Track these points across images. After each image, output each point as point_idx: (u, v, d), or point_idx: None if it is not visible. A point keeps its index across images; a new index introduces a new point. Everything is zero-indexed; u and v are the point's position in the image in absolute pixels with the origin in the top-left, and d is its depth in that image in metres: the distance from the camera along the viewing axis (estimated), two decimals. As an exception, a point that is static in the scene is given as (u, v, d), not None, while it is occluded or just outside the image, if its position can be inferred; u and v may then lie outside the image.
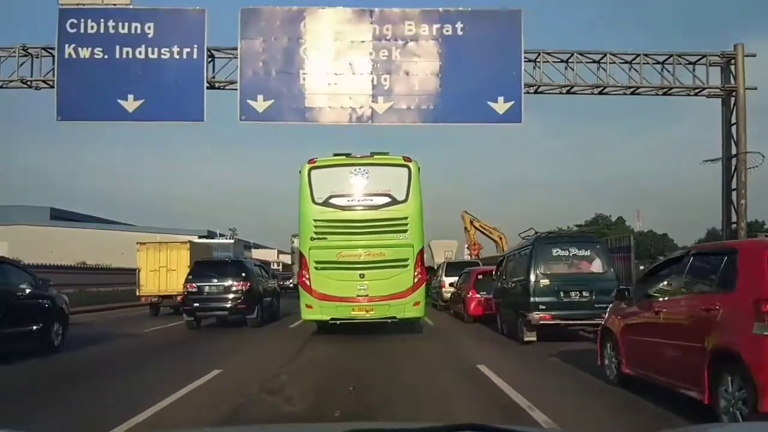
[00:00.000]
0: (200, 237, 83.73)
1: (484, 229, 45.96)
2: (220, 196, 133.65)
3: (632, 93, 17.90)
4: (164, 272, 20.17)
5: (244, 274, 15.28)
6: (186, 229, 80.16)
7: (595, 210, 69.40)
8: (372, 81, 16.57)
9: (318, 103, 16.65)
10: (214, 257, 19.59)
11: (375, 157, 12.10)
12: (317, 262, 11.73)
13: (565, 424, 5.28)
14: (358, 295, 11.61)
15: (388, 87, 16.60)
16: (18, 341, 9.61)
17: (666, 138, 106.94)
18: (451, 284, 18.39)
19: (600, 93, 17.86)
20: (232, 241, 77.05)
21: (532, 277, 10.05)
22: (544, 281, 10.03)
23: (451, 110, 16.73)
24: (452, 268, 20.49)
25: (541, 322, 9.89)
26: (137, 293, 20.61)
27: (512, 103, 16.70)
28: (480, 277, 15.27)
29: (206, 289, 14.86)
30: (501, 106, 16.70)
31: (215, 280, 14.99)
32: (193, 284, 14.87)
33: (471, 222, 46.31)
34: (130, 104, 16.63)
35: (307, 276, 11.82)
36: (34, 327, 9.99)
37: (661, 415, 5.52)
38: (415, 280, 11.74)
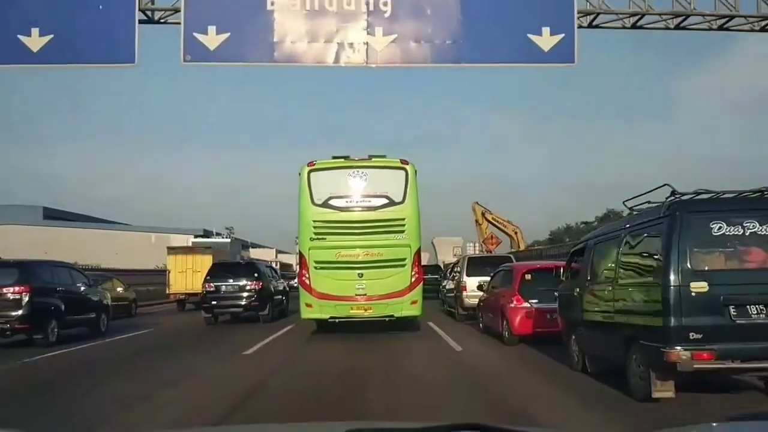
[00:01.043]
0: (196, 236, 79.70)
1: (498, 222, 40.93)
2: (216, 194, 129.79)
3: (721, 27, 12.83)
4: (190, 273, 22.58)
5: (256, 275, 16.32)
6: (182, 228, 76.47)
7: (607, 205, 63.76)
8: (367, 5, 11.63)
9: (292, 36, 11.75)
10: (231, 259, 21.15)
11: (373, 159, 12.15)
12: (317, 262, 11.84)
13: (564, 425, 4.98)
14: (356, 294, 11.72)
15: (389, 13, 11.68)
16: (79, 326, 13.04)
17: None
18: (479, 287, 13.07)
19: (678, 26, 12.79)
20: (229, 240, 72.59)
21: (673, 278, 4.93)
22: (699, 285, 4.89)
23: (478, 46, 11.85)
24: (478, 265, 15.30)
25: (696, 366, 4.79)
26: (167, 291, 23.50)
27: (562, 36, 11.85)
28: (528, 277, 10.22)
29: (223, 288, 15.92)
30: (546, 41, 11.77)
31: (231, 280, 16.05)
32: (211, 284, 15.97)
33: (483, 214, 41.33)
34: (35, 41, 11.83)
35: (307, 275, 11.92)
36: (89, 316, 13.50)
37: None
38: (413, 279, 11.86)
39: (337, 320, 12.05)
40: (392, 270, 11.74)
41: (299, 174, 12.13)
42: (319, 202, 11.89)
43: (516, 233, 40.54)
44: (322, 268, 11.84)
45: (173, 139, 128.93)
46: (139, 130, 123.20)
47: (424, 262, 33.49)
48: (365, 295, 11.71)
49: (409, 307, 11.88)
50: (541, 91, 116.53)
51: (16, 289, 11.38)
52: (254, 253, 73.23)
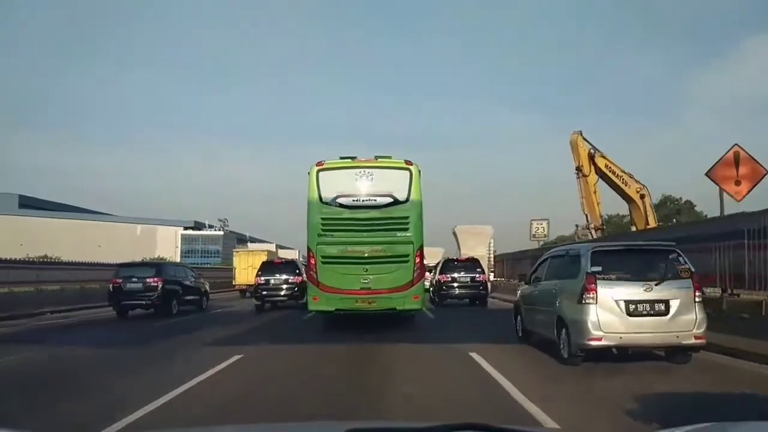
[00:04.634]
0: (186, 228, 79.38)
1: (614, 172, 26.60)
2: (212, 185, 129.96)
3: None
4: (251, 270, 30.35)
5: (297, 271, 21.95)
6: (170, 219, 77.41)
7: (662, 190, 61.79)
8: None
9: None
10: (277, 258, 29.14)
11: (379, 160, 13.81)
12: (324, 257, 13.55)
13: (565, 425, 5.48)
14: (361, 288, 13.35)
15: None
16: (189, 305, 21.87)
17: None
18: None
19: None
20: (222, 233, 72.32)
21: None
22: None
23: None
24: None
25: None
26: (233, 283, 35.41)
27: None
28: None
29: (271, 281, 21.90)
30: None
31: (277, 275, 22.02)
32: (262, 278, 22.11)
33: (591, 155, 26.33)
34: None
35: (315, 270, 13.64)
36: (195, 298, 22.55)
37: None
38: (415, 274, 13.50)
39: (342, 312, 13.74)
40: (396, 266, 13.42)
41: (308, 173, 13.78)
42: (327, 200, 13.58)
43: (643, 196, 26.92)
44: (329, 263, 13.52)
45: (163, 126, 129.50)
46: (124, 116, 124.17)
47: (437, 258, 30.72)
48: (370, 289, 13.36)
49: (411, 301, 13.59)
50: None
51: (154, 280, 20.00)
52: (253, 248, 73.02)
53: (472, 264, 23.34)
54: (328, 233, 13.55)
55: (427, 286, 19.85)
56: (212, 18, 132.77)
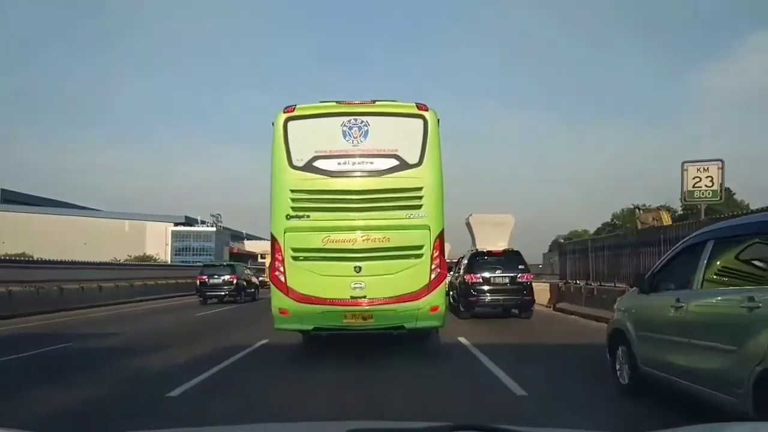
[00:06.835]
0: (176, 224, 77.52)
1: None
2: (204, 177, 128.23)
3: None
4: None
5: None
6: (159, 215, 75.35)
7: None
8: None
9: None
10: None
11: (377, 104, 10.19)
12: (295, 250, 9.99)
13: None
14: (352, 297, 9.83)
15: None
16: (247, 297, 30.23)
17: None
18: None
19: None
20: (214, 229, 70.25)
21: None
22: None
23: None
24: None
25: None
26: (265, 280, 42.60)
27: None
28: None
29: None
30: None
31: None
32: None
33: None
34: None
35: (282, 269, 10.00)
36: (252, 291, 31.77)
37: None
38: (433, 275, 9.95)
39: (324, 332, 10.40)
40: (404, 262, 9.92)
41: (273, 124, 10.22)
42: (300, 164, 9.94)
43: None
44: (303, 258, 9.99)
45: (151, 119, 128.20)
46: (113, 111, 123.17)
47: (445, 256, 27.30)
48: (365, 297, 9.84)
49: (427, 315, 9.97)
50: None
51: (230, 277, 28.70)
52: (249, 246, 71.43)
53: (511, 259, 18.33)
54: (301, 213, 9.89)
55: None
56: (203, 13, 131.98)
